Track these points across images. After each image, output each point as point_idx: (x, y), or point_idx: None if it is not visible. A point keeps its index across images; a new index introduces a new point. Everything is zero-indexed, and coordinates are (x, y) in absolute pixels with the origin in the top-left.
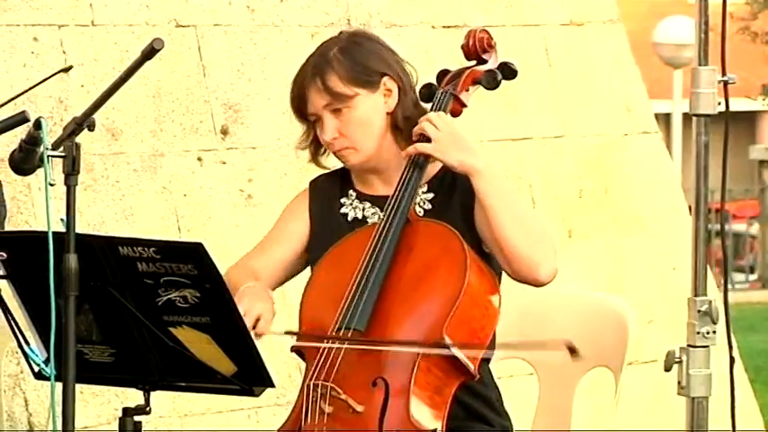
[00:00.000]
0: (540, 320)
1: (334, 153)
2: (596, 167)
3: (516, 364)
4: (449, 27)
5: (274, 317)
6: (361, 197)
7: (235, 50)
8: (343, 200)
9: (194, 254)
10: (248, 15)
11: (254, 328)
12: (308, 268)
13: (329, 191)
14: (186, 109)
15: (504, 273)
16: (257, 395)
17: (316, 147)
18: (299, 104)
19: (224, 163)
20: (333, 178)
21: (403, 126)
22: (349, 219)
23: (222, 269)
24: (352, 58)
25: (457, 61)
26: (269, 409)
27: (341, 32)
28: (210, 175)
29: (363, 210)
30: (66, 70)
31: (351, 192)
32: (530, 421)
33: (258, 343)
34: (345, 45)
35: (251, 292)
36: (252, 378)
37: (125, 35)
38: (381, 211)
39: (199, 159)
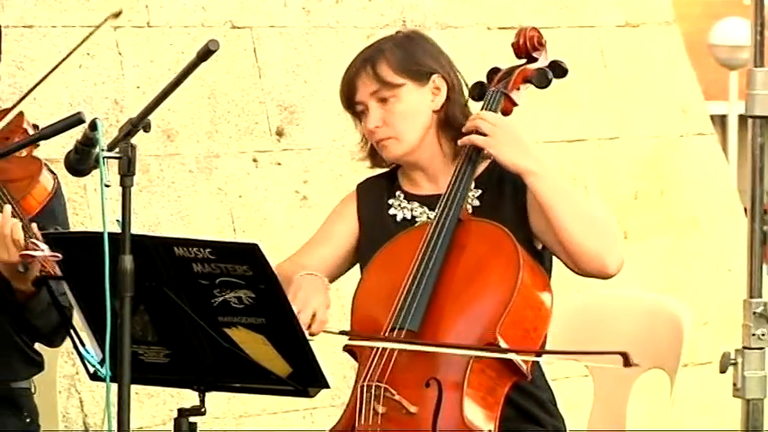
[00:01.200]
0: (597, 322)
1: (376, 145)
2: (652, 169)
3: (571, 366)
4: (504, 28)
5: (329, 308)
6: (409, 197)
7: (290, 52)
8: (390, 201)
9: (249, 255)
10: (304, 17)
11: (309, 326)
12: (358, 267)
13: (377, 193)
14: (242, 110)
15: (568, 269)
16: (312, 396)
17: (371, 147)
18: (348, 92)
19: (279, 164)
20: (380, 180)
21: (448, 126)
22: (398, 219)
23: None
24: (405, 50)
25: (512, 63)
26: (324, 410)
27: (398, 32)
28: (266, 177)
29: (412, 210)
30: (117, 15)
31: (398, 193)
32: (585, 422)
33: (312, 343)
34: (400, 40)
35: (307, 285)
36: (307, 379)
37: (181, 36)
38: (429, 210)
39: (254, 161)
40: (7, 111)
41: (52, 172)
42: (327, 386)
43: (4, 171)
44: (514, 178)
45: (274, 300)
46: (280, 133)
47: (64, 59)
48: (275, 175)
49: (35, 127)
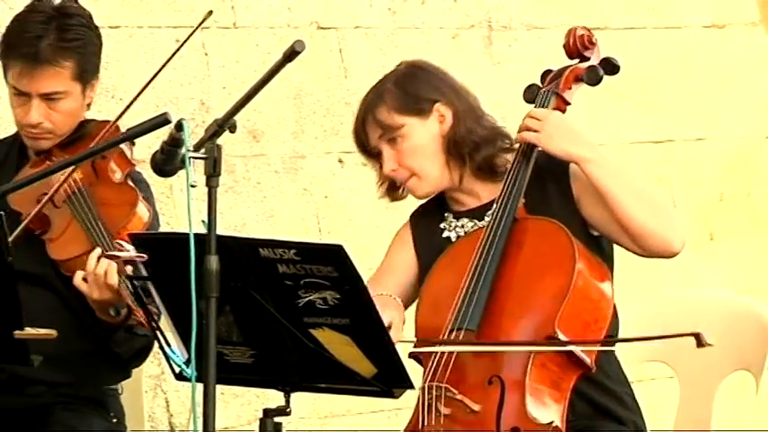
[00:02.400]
0: (681, 323)
1: (404, 187)
2: (738, 170)
3: (657, 367)
4: (590, 29)
5: (404, 324)
6: (458, 215)
7: (375, 52)
8: (442, 225)
9: (334, 256)
10: (389, 17)
11: None
12: None
13: (429, 219)
14: (327, 111)
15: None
16: (397, 397)
17: (388, 185)
18: (360, 142)
19: (365, 165)
20: (429, 206)
21: (464, 144)
22: (452, 240)
23: (362, 271)
24: (404, 89)
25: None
26: (409, 411)
27: (400, 63)
28: (351, 177)
29: (463, 226)
30: (209, 15)
31: (446, 214)
32: (670, 424)
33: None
34: (400, 77)
35: (380, 301)
36: (392, 379)
37: (267, 37)
38: (479, 221)
39: (340, 161)
40: (105, 123)
41: (149, 205)
42: (412, 387)
43: (105, 201)
44: (553, 172)
45: (359, 301)
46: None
47: (158, 71)
48: (361, 175)
49: (131, 144)
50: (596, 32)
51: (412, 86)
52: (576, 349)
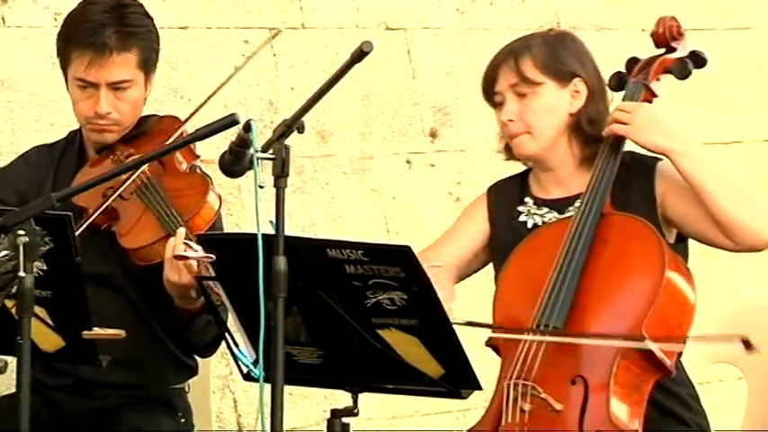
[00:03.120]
0: (755, 325)
1: (509, 140)
2: None
3: (725, 369)
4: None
5: (454, 298)
6: (539, 203)
7: (444, 53)
8: (520, 208)
9: (402, 256)
10: (458, 18)
11: None
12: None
13: (507, 198)
14: (395, 111)
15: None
16: (465, 398)
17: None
18: (489, 80)
19: (433, 165)
20: (510, 184)
21: (582, 131)
22: (528, 226)
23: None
24: (552, 49)
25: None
26: (477, 411)
27: (550, 29)
28: (419, 178)
29: (542, 216)
30: (274, 36)
31: (527, 199)
32: (738, 424)
33: (465, 344)
34: (550, 38)
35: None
36: (459, 380)
37: (335, 38)
38: (559, 214)
39: (408, 162)
40: (166, 118)
41: (217, 193)
42: (480, 387)
43: (176, 190)
44: (639, 169)
45: (427, 302)
46: (433, 134)
47: (227, 80)
48: (429, 176)
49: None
50: None
51: (560, 50)
52: (659, 352)
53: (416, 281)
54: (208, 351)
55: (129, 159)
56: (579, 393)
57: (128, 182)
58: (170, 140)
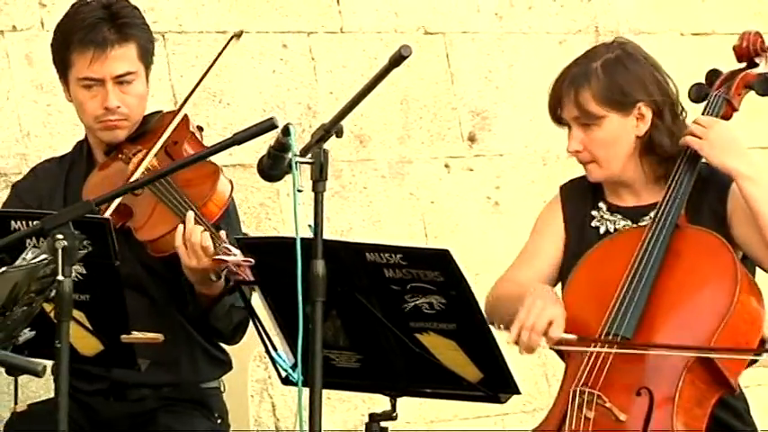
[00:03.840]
0: None
1: (579, 162)
2: None
3: (765, 373)
4: (697, 34)
5: (565, 317)
6: (612, 209)
7: (482, 57)
8: (593, 212)
9: (441, 261)
10: (496, 22)
11: (545, 333)
12: None
13: (580, 200)
14: (434, 116)
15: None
16: (503, 402)
17: None
18: (555, 107)
19: (471, 170)
20: (583, 186)
21: (652, 150)
22: (600, 232)
23: (468, 276)
24: (612, 78)
25: (705, 69)
26: (515, 416)
27: (614, 40)
28: (458, 182)
29: (615, 223)
30: (238, 36)
31: (601, 204)
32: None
33: (504, 349)
34: (611, 61)
35: (542, 295)
36: (498, 385)
37: (373, 42)
38: (633, 223)
39: (446, 166)
40: (172, 114)
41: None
42: (518, 392)
43: (186, 180)
44: (715, 184)
45: (466, 306)
46: (472, 139)
47: (205, 74)
48: (467, 180)
49: (200, 129)
50: (703, 38)
51: (621, 77)
52: (726, 358)
53: (455, 285)
54: (235, 336)
55: (138, 156)
56: (644, 405)
57: (135, 174)
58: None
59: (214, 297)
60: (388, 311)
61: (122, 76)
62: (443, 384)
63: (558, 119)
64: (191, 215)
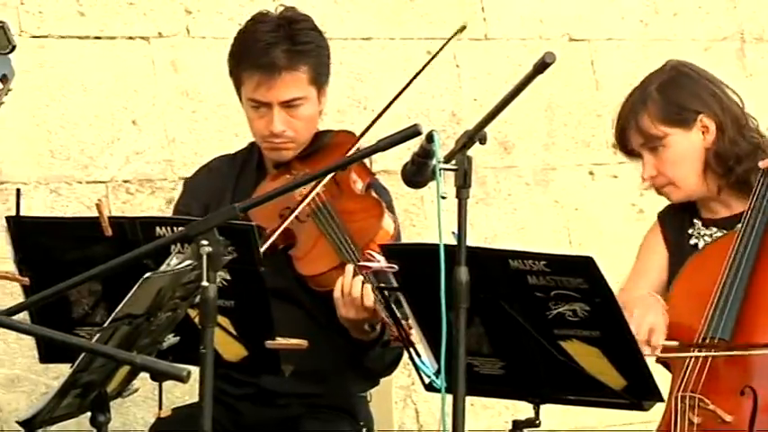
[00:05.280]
0: None
1: (657, 190)
2: None
3: None
4: None
5: (667, 325)
6: (707, 223)
7: (627, 64)
8: (690, 231)
9: (584, 268)
10: (642, 29)
11: (648, 342)
12: None
13: (677, 222)
14: (578, 123)
15: None
16: (646, 410)
17: None
18: (622, 141)
19: (615, 177)
20: (677, 208)
21: (725, 159)
22: (699, 248)
23: (612, 283)
24: (668, 97)
25: None
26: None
27: (666, 63)
28: (602, 189)
29: (711, 236)
30: (461, 30)
31: (695, 221)
32: None
33: (648, 355)
34: (665, 82)
35: (642, 303)
36: (641, 392)
37: (518, 49)
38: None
39: (591, 173)
40: (342, 133)
41: (393, 215)
42: (662, 399)
43: (350, 213)
44: None
45: (610, 313)
46: (616, 146)
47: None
48: (612, 187)
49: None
50: None
51: (676, 95)
52: None
53: (599, 292)
54: (385, 373)
55: (299, 173)
56: (748, 404)
57: (303, 203)
58: (341, 151)
59: (371, 340)
60: (531, 319)
61: (290, 101)
62: (587, 391)
63: (628, 152)
64: (350, 268)
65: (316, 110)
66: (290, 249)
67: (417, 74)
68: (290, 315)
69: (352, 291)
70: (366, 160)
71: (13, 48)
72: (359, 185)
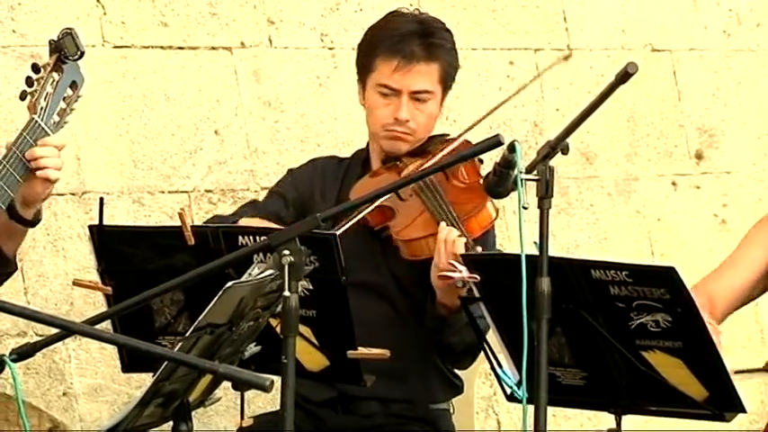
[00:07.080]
0: None
1: None
2: None
3: None
4: None
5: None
6: None
7: (710, 75)
8: None
9: (667, 278)
10: (724, 40)
11: None
12: None
13: None
14: (661, 133)
15: None
16: (728, 421)
17: None
18: None
19: (698, 188)
20: None
21: None
22: None
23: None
24: None
25: None
26: None
27: None
28: (684, 200)
29: None
30: (566, 58)
31: None
32: None
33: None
34: None
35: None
36: (723, 403)
37: (600, 59)
38: None
39: (673, 184)
40: (452, 140)
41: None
42: (744, 411)
43: (455, 195)
44: None
45: (692, 324)
46: (699, 156)
47: (518, 92)
48: (694, 198)
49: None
50: None
51: None
52: None
53: (681, 303)
54: (465, 359)
55: (411, 167)
56: None
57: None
58: (433, 160)
59: (453, 310)
60: (613, 329)
61: (419, 92)
62: (669, 402)
63: None
64: (443, 224)
65: (437, 110)
66: (385, 231)
67: (520, 90)
68: (380, 312)
69: (449, 235)
70: (479, 165)
71: (82, 54)
72: (467, 180)
